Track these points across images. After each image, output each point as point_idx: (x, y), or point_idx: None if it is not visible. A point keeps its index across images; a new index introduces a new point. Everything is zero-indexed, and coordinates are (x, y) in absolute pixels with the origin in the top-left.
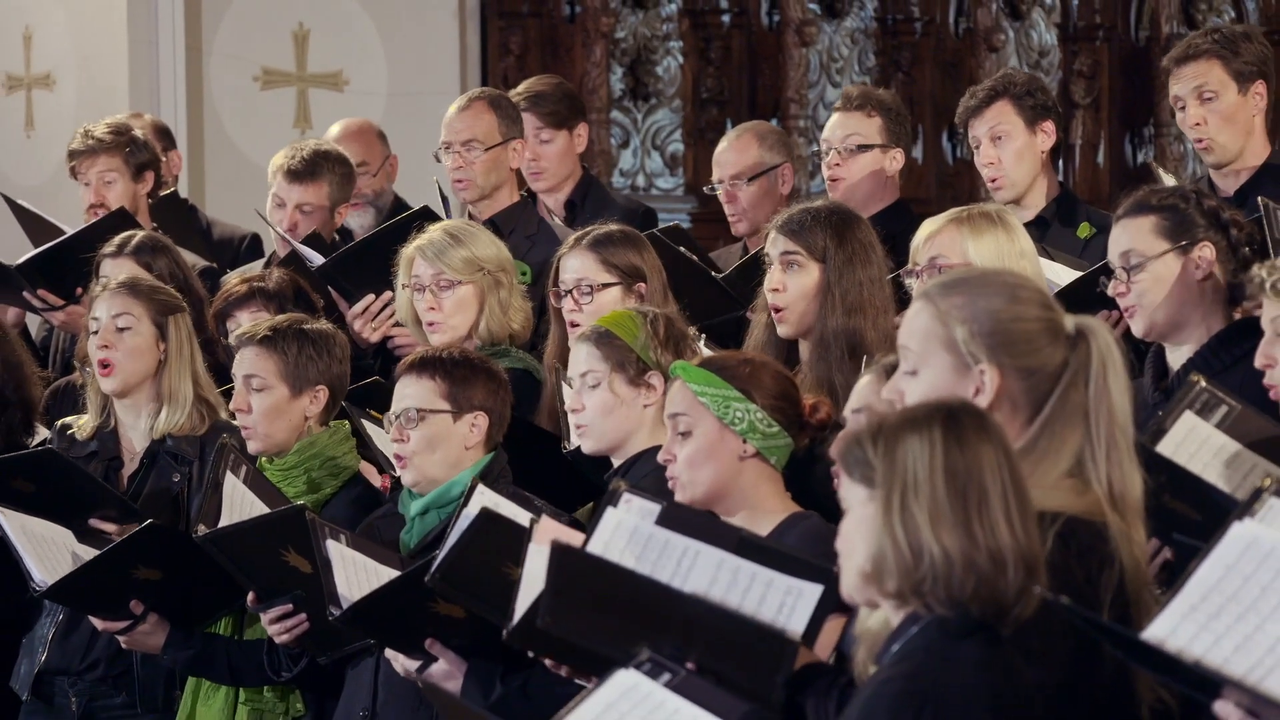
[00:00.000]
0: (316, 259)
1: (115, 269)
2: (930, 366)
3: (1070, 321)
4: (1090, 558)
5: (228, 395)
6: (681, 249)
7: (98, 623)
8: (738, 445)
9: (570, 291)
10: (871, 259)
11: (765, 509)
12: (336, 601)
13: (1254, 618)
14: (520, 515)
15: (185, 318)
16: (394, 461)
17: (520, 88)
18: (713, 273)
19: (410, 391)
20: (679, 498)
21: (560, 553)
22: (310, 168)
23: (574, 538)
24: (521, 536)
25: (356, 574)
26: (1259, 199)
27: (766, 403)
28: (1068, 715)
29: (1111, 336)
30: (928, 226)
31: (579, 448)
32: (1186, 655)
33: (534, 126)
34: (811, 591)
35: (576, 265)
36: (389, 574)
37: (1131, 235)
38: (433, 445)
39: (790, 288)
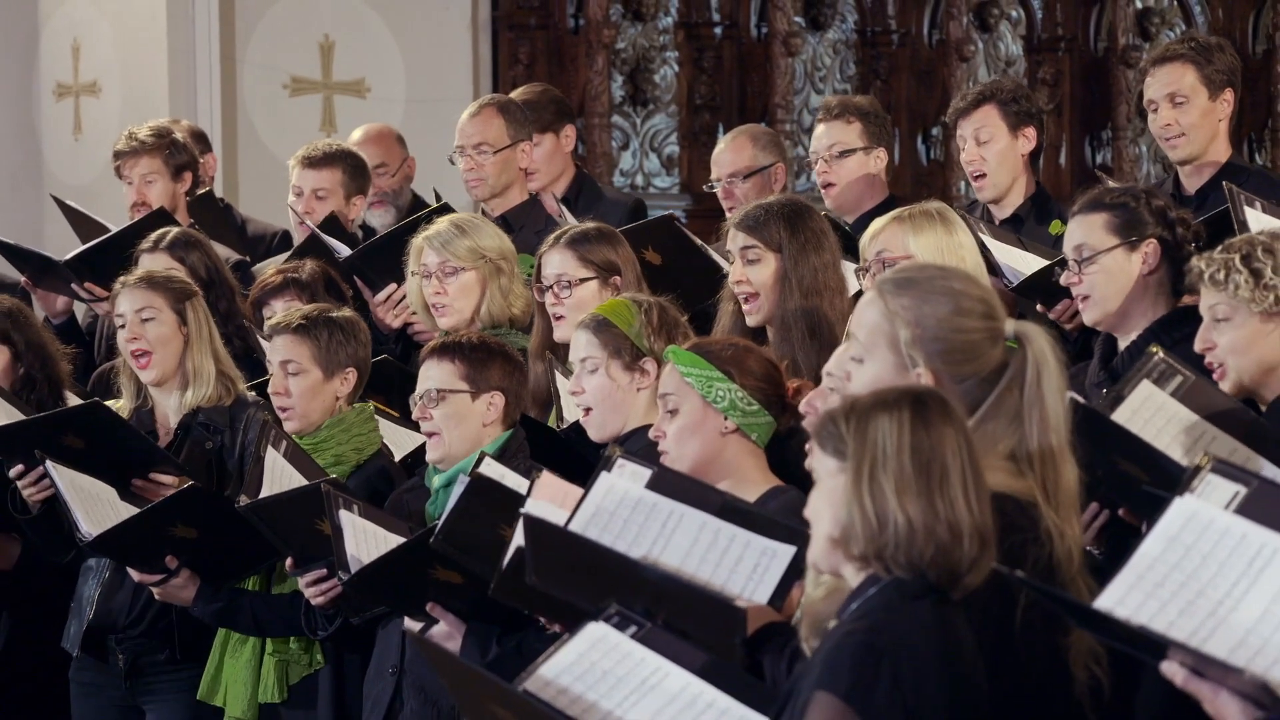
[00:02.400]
0: (344, 251)
1: (152, 263)
2: (874, 359)
3: (1010, 326)
4: (1014, 533)
5: (261, 390)
6: (695, 239)
7: (134, 574)
8: (719, 422)
9: (551, 287)
10: (824, 245)
11: (748, 481)
12: (346, 567)
13: (1195, 585)
14: (521, 485)
15: (200, 301)
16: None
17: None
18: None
19: (432, 373)
20: None
21: (530, 524)
22: (324, 157)
23: (573, 494)
24: (512, 500)
25: (367, 541)
26: (1224, 184)
27: (748, 383)
28: (1001, 682)
29: (1047, 342)
30: (874, 225)
31: (575, 424)
32: (1134, 621)
33: None
34: (785, 552)
35: (556, 262)
36: (397, 541)
37: (1085, 230)
38: (452, 422)
39: (752, 279)
